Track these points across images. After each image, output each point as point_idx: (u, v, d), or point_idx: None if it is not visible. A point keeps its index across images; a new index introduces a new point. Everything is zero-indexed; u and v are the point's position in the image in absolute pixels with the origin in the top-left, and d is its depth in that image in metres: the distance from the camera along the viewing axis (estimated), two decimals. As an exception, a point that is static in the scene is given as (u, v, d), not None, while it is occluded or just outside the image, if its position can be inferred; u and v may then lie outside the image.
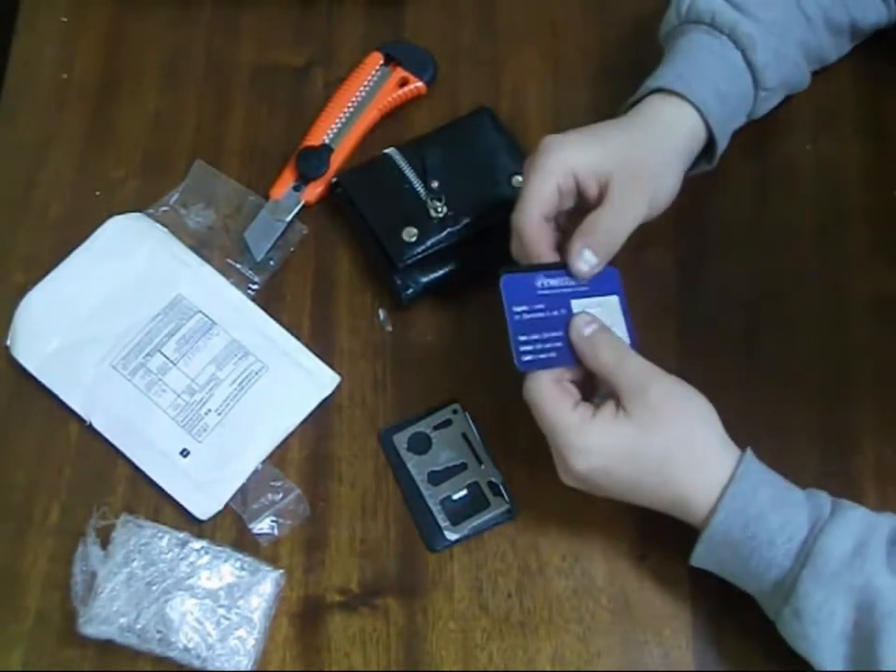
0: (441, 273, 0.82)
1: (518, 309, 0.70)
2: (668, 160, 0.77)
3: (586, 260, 0.72)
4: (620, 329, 0.72)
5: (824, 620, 0.64)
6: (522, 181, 0.74)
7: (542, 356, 0.70)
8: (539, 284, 0.71)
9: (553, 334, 0.70)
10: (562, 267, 0.72)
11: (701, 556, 0.69)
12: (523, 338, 0.70)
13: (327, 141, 0.87)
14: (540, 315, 0.71)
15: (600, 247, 0.72)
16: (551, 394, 0.68)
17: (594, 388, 0.71)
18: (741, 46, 0.78)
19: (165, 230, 0.84)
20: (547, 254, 0.73)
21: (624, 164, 0.73)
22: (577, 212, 0.74)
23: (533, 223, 0.72)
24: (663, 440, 0.67)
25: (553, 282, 0.72)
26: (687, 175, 0.78)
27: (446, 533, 0.75)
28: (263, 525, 0.75)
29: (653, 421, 0.67)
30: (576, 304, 0.72)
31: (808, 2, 0.81)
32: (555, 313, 0.71)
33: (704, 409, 0.69)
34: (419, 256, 0.81)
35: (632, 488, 0.68)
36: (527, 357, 0.69)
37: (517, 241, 0.73)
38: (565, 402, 0.68)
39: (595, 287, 0.72)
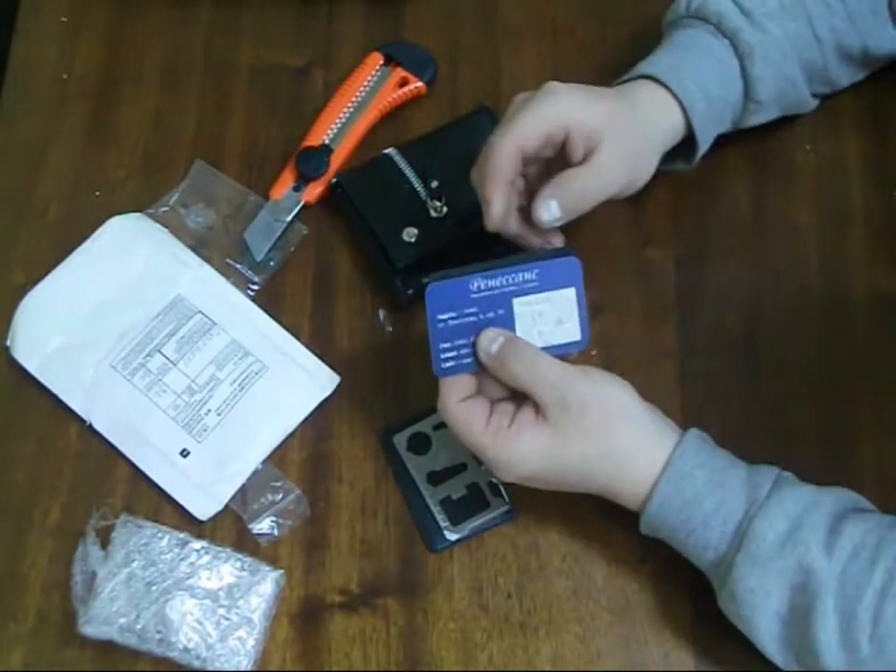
0: (440, 273, 0.82)
1: (443, 316, 0.69)
2: (651, 142, 0.77)
3: (550, 211, 0.72)
4: (572, 323, 0.70)
5: (759, 603, 0.65)
6: (507, 114, 0.73)
7: (466, 360, 0.69)
8: (473, 286, 0.69)
9: None
10: (506, 266, 0.69)
11: (646, 532, 0.70)
12: (445, 345, 0.69)
13: (327, 141, 0.87)
14: (471, 318, 0.69)
15: (568, 202, 0.72)
16: (459, 416, 0.68)
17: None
18: (740, 53, 0.78)
19: (165, 230, 0.84)
20: (500, 191, 0.71)
21: (617, 131, 0.73)
22: (546, 175, 0.74)
23: (509, 150, 0.71)
24: (584, 447, 0.67)
25: (493, 282, 0.69)
26: (660, 168, 0.78)
27: (446, 533, 0.75)
28: (263, 526, 0.75)
29: (574, 429, 0.67)
30: (518, 302, 0.69)
31: (821, 25, 0.79)
32: (490, 314, 0.69)
33: (628, 404, 0.69)
34: (419, 256, 0.81)
35: (562, 488, 0.70)
36: (448, 364, 0.69)
37: (481, 162, 0.72)
38: (474, 422, 0.68)
39: (549, 280, 0.70)
